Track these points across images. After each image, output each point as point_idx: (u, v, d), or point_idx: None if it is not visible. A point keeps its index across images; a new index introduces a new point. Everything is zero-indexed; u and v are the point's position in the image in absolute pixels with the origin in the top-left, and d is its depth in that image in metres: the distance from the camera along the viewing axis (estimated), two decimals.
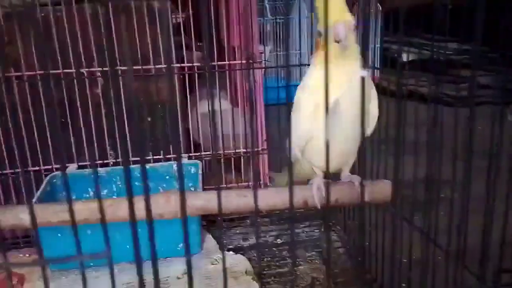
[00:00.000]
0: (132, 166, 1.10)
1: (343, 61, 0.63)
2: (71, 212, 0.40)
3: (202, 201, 0.74)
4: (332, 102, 0.62)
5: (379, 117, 0.73)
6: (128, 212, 0.35)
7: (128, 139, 1.07)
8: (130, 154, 1.21)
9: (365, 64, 0.68)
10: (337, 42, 0.63)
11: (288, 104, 0.43)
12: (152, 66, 1.17)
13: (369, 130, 0.72)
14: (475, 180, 0.61)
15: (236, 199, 0.74)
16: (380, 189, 0.74)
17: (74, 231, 0.38)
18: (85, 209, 0.70)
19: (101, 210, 0.39)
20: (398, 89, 0.54)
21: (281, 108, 1.14)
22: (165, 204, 0.74)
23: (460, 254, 0.65)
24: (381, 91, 0.77)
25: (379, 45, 2.87)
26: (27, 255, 1.05)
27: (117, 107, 1.08)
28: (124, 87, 1.02)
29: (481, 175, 0.59)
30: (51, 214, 0.70)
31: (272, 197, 0.73)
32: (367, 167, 0.87)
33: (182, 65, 1.23)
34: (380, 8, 2.37)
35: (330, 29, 0.62)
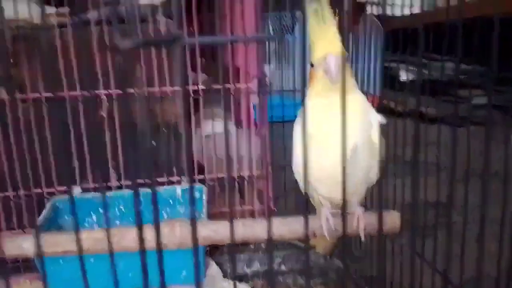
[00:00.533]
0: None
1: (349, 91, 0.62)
2: (79, 245, 0.39)
3: (208, 231, 0.73)
4: (350, 150, 0.62)
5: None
6: (138, 242, 0.34)
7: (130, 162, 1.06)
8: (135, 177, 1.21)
9: (361, 89, 0.69)
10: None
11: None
12: (158, 88, 1.17)
13: (374, 162, 0.69)
14: (477, 202, 0.60)
15: (242, 229, 0.73)
16: (388, 220, 0.73)
17: (81, 264, 0.38)
18: (89, 239, 0.69)
19: (109, 241, 0.39)
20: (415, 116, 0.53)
21: (286, 125, 1.14)
22: (169, 233, 0.73)
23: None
24: (382, 110, 0.76)
25: (379, 64, 2.90)
26: (28, 281, 1.03)
27: (121, 129, 1.08)
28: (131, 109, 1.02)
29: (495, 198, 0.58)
30: (55, 244, 0.68)
31: (279, 227, 0.72)
32: (374, 191, 0.86)
33: (187, 87, 1.22)
34: (382, 28, 2.38)
35: (321, 61, 0.62)
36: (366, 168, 0.67)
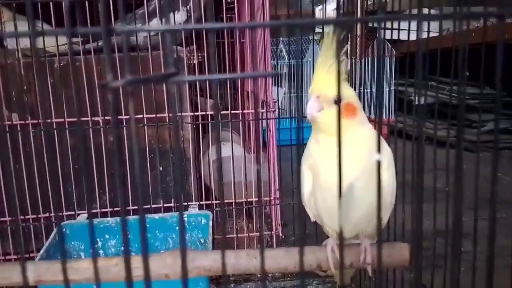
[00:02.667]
0: (136, 216, 1.09)
1: (346, 132, 0.60)
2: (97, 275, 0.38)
3: (210, 261, 0.71)
4: (346, 187, 0.60)
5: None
6: (143, 272, 0.33)
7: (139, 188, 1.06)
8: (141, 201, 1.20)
9: (370, 122, 0.66)
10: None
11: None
12: (166, 115, 1.18)
13: (384, 200, 0.67)
14: (499, 232, 0.57)
15: (246, 260, 0.71)
16: (398, 253, 0.71)
17: None
18: (91, 269, 0.68)
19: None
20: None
21: (294, 149, 1.13)
22: (172, 263, 0.72)
23: None
24: (397, 134, 0.75)
25: (393, 88, 2.89)
26: None
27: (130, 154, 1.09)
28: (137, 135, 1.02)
29: (507, 227, 0.55)
30: (57, 272, 0.68)
31: (284, 259, 0.70)
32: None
33: (196, 113, 1.23)
34: (395, 52, 2.38)
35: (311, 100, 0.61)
36: (371, 205, 0.64)
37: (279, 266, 0.70)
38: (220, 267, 0.71)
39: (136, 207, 0.31)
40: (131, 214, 1.15)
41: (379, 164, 0.34)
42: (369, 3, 2.54)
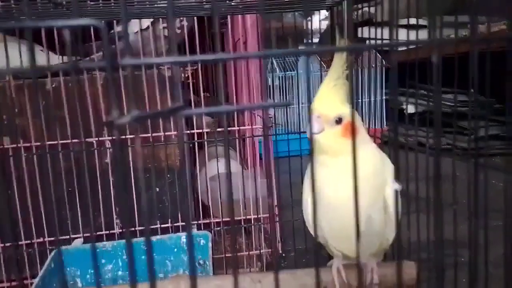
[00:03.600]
0: (137, 239, 1.06)
1: (344, 154, 0.59)
2: None
3: (212, 287, 0.69)
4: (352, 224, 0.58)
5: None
6: None
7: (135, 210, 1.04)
8: (137, 224, 1.18)
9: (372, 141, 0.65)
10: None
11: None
12: (162, 133, 1.16)
13: (390, 217, 0.65)
14: (496, 241, 0.56)
15: (249, 285, 0.69)
16: (404, 271, 0.70)
17: None
18: None
19: None
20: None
21: (292, 160, 1.12)
22: None
23: None
24: (388, 143, 0.74)
25: (384, 98, 2.91)
26: None
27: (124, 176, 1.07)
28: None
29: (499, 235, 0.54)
30: None
31: (289, 283, 0.69)
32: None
33: (192, 131, 1.22)
34: (384, 62, 2.40)
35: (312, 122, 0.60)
36: (379, 229, 0.63)
37: None
38: None
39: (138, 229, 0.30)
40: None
41: (397, 193, 0.33)
42: (358, 14, 2.56)
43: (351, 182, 0.57)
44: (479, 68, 0.51)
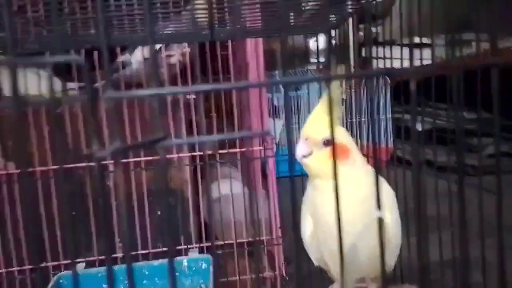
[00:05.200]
0: (139, 263, 1.06)
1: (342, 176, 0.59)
2: None
3: None
4: (348, 249, 0.58)
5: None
6: None
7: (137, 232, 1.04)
8: (139, 247, 1.18)
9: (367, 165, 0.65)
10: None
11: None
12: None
13: (389, 242, 0.65)
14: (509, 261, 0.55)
15: None
16: None
17: None
18: None
19: None
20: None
21: (294, 181, 1.11)
22: None
23: None
24: (396, 161, 0.74)
25: (390, 116, 2.91)
26: None
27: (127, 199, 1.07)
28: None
29: None
30: None
31: None
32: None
33: (193, 154, 1.23)
34: (389, 81, 2.40)
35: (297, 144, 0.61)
36: (375, 250, 0.62)
37: None
38: None
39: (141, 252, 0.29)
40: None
41: (380, 221, 0.33)
42: (361, 34, 2.58)
43: (347, 206, 0.57)
44: (486, 86, 0.51)
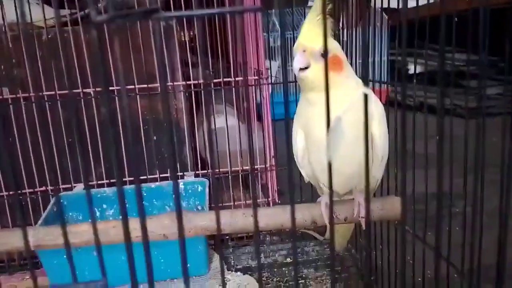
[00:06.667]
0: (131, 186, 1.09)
1: (334, 87, 0.59)
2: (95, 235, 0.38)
3: (207, 221, 0.72)
4: (333, 120, 0.58)
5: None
6: (141, 233, 0.33)
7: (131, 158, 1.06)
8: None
9: (365, 81, 0.65)
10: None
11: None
12: (158, 85, 1.17)
13: (376, 155, 0.66)
14: (489, 194, 0.59)
15: (243, 219, 0.72)
16: (390, 206, 0.72)
17: (68, 256, 0.37)
18: (90, 231, 0.69)
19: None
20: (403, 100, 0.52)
21: (290, 122, 1.13)
22: (170, 224, 0.72)
23: (474, 273, 0.62)
24: (391, 104, 0.75)
25: (386, 58, 2.87)
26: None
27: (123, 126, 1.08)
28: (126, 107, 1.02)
29: (495, 189, 0.56)
30: (56, 237, 0.69)
31: (280, 216, 0.71)
32: (380, 182, 0.85)
33: (188, 82, 1.23)
34: (388, 21, 2.36)
35: (296, 55, 0.59)
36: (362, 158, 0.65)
37: (275, 223, 0.71)
38: (216, 226, 0.72)
39: (132, 179, 0.31)
40: (128, 185, 1.15)
41: (366, 97, 0.34)
42: None
43: (351, 104, 0.58)
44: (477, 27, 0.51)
